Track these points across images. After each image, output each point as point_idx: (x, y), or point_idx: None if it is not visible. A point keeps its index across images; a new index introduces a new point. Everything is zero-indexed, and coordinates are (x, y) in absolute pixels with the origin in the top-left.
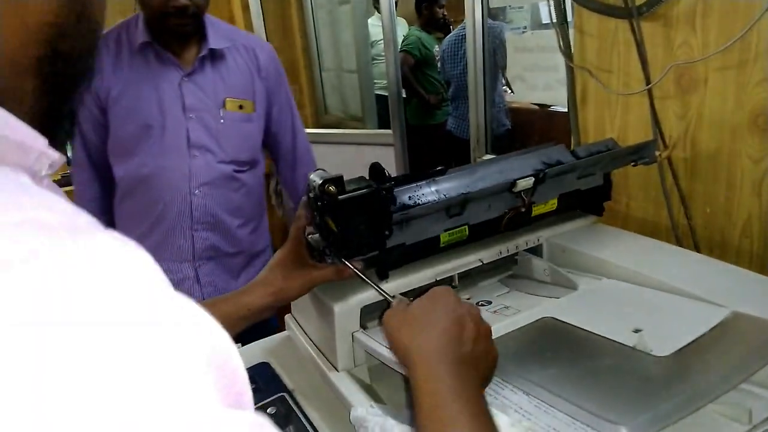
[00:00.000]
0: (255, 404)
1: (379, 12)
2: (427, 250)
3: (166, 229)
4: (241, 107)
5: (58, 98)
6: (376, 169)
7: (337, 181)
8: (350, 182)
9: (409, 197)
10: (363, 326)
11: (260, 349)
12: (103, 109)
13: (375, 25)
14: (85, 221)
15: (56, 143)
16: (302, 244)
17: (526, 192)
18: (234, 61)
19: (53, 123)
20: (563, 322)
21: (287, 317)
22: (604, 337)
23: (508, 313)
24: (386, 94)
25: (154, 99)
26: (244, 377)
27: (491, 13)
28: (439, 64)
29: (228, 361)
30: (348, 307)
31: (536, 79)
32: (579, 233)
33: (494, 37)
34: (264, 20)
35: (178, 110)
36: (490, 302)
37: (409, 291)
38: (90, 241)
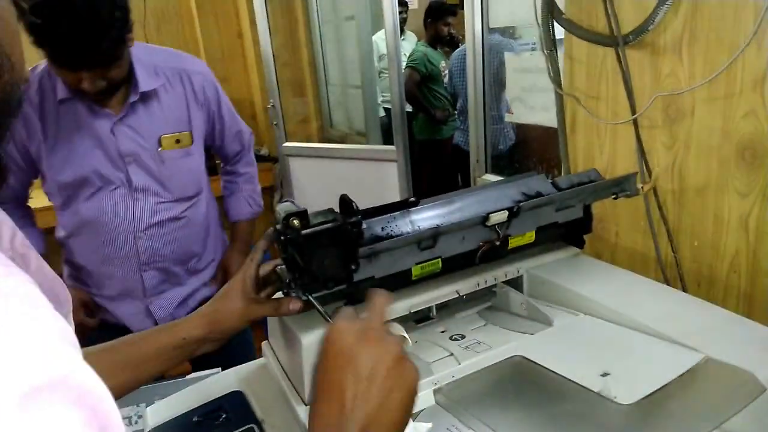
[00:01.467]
0: None
1: None
2: (399, 283)
3: (113, 270)
4: (178, 141)
5: None
6: (344, 201)
7: (302, 215)
8: (316, 215)
9: (382, 228)
10: None
11: (235, 376)
12: (27, 157)
13: (384, 39)
14: None
15: None
16: (250, 276)
17: (501, 225)
18: (166, 93)
19: None
20: (532, 362)
21: (264, 344)
22: (571, 380)
23: (480, 350)
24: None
25: (89, 147)
26: (118, 420)
27: (499, 30)
28: (446, 79)
29: (100, 403)
30: (316, 339)
31: (535, 100)
32: (561, 265)
33: (500, 53)
34: (271, 35)
35: (114, 156)
36: (463, 336)
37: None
38: None
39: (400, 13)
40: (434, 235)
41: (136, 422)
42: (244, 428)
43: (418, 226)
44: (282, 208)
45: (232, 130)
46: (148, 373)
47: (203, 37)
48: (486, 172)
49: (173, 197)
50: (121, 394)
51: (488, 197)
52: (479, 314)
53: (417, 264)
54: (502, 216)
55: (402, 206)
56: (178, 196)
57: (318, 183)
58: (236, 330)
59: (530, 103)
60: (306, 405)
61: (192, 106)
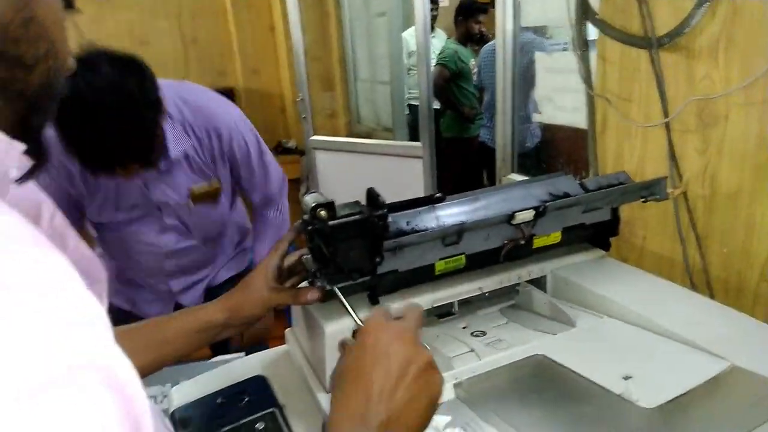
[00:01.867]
0: (245, 417)
1: None
2: (422, 278)
3: (142, 276)
4: (206, 190)
5: (21, 108)
6: (371, 194)
7: (329, 206)
8: (343, 207)
9: (407, 222)
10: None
11: (259, 361)
12: (71, 201)
13: (414, 36)
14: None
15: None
16: (272, 265)
17: (526, 224)
18: (195, 150)
19: (22, 134)
20: (554, 361)
21: (287, 331)
22: (592, 382)
23: (501, 347)
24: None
25: (124, 197)
26: (144, 403)
27: (532, 29)
28: (475, 75)
29: (128, 385)
30: (339, 328)
31: (564, 101)
32: (586, 267)
33: (533, 53)
34: (303, 30)
35: (149, 206)
36: (485, 333)
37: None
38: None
39: (431, 10)
40: (459, 231)
41: (161, 401)
42: (266, 411)
43: (444, 222)
44: (310, 199)
45: (261, 179)
46: (170, 354)
47: (236, 30)
48: (512, 171)
49: (199, 238)
50: (143, 374)
51: (514, 196)
52: (501, 312)
53: (441, 259)
54: (528, 215)
55: (428, 202)
56: (203, 237)
57: (343, 177)
58: (256, 317)
59: (560, 103)
60: (327, 392)
61: (218, 160)
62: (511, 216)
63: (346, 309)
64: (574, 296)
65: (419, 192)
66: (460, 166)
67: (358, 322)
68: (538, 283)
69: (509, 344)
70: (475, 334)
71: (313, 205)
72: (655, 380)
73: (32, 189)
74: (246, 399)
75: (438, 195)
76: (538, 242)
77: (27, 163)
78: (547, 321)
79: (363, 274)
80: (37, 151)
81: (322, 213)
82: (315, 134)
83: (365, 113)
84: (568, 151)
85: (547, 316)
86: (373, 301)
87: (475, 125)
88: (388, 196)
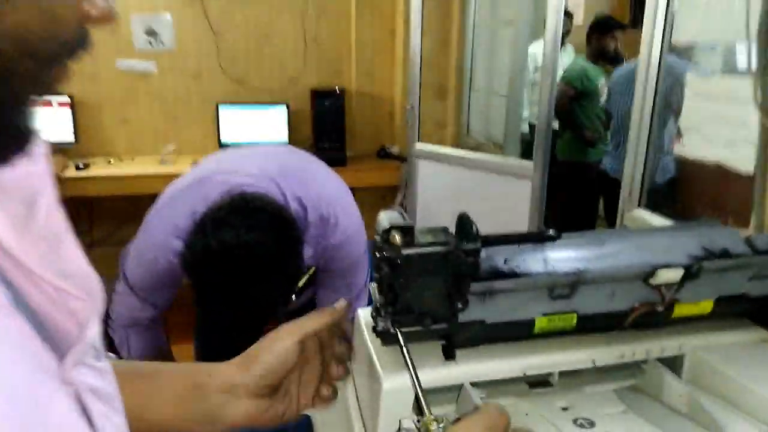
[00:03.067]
0: None
1: None
2: (516, 334)
3: None
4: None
5: None
6: (463, 221)
7: (406, 230)
8: (425, 233)
9: (506, 261)
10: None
11: None
12: None
13: (540, 50)
14: None
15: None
16: (305, 331)
17: (669, 287)
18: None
19: None
20: None
21: None
22: None
23: None
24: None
25: None
26: None
27: (675, 49)
28: (604, 97)
29: None
30: (401, 384)
31: (717, 132)
32: (741, 352)
33: (673, 77)
34: (423, 35)
35: None
36: (593, 423)
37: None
38: None
39: (564, 24)
40: (574, 282)
41: None
42: None
43: (554, 267)
44: (385, 217)
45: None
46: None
47: (357, 32)
48: (639, 206)
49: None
50: None
51: (654, 245)
52: (617, 394)
53: (544, 315)
54: (675, 274)
55: (536, 238)
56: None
57: (444, 189)
58: (273, 369)
59: (710, 135)
60: None
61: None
62: (651, 273)
63: (406, 363)
64: (721, 389)
65: (523, 215)
66: (573, 193)
67: (423, 403)
68: (672, 363)
69: None
70: (579, 422)
71: (388, 226)
72: None
73: (29, 175)
74: None
75: (551, 232)
76: (680, 310)
77: None
78: (681, 419)
79: (438, 321)
80: (14, 131)
81: (397, 238)
82: (420, 142)
83: (476, 126)
84: (711, 192)
85: (682, 412)
86: (448, 354)
87: (596, 150)
88: (489, 218)
